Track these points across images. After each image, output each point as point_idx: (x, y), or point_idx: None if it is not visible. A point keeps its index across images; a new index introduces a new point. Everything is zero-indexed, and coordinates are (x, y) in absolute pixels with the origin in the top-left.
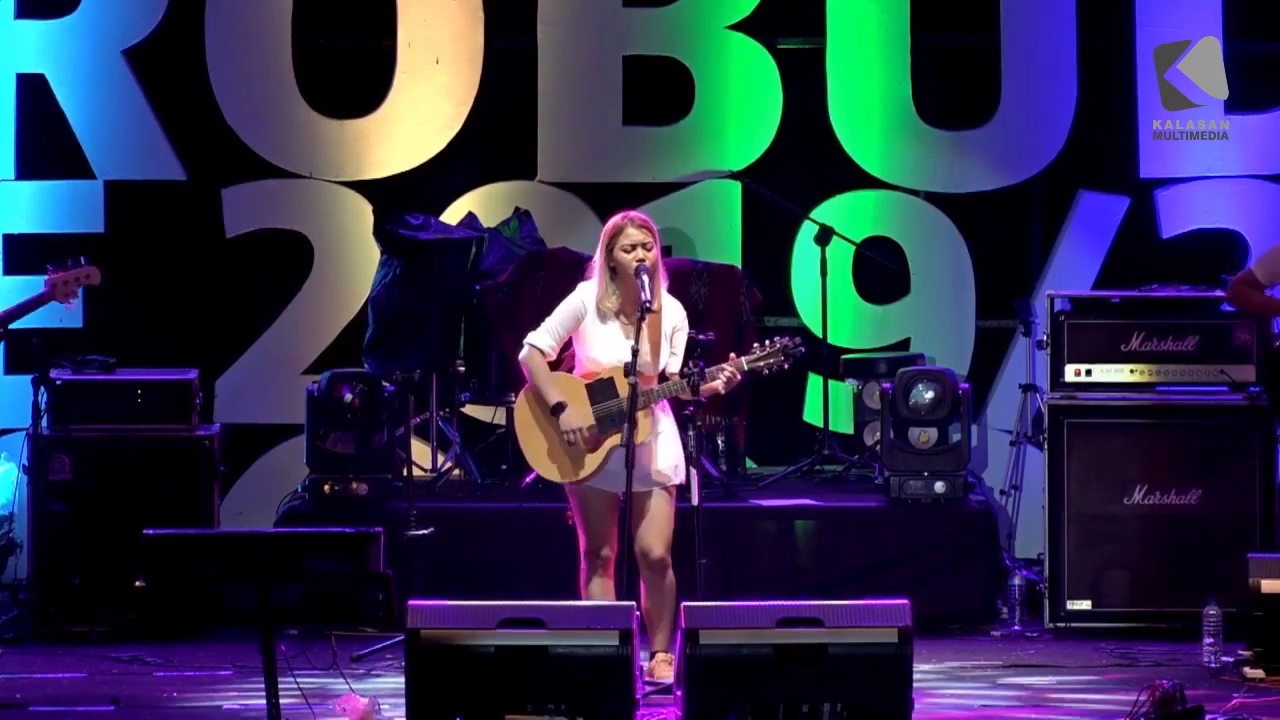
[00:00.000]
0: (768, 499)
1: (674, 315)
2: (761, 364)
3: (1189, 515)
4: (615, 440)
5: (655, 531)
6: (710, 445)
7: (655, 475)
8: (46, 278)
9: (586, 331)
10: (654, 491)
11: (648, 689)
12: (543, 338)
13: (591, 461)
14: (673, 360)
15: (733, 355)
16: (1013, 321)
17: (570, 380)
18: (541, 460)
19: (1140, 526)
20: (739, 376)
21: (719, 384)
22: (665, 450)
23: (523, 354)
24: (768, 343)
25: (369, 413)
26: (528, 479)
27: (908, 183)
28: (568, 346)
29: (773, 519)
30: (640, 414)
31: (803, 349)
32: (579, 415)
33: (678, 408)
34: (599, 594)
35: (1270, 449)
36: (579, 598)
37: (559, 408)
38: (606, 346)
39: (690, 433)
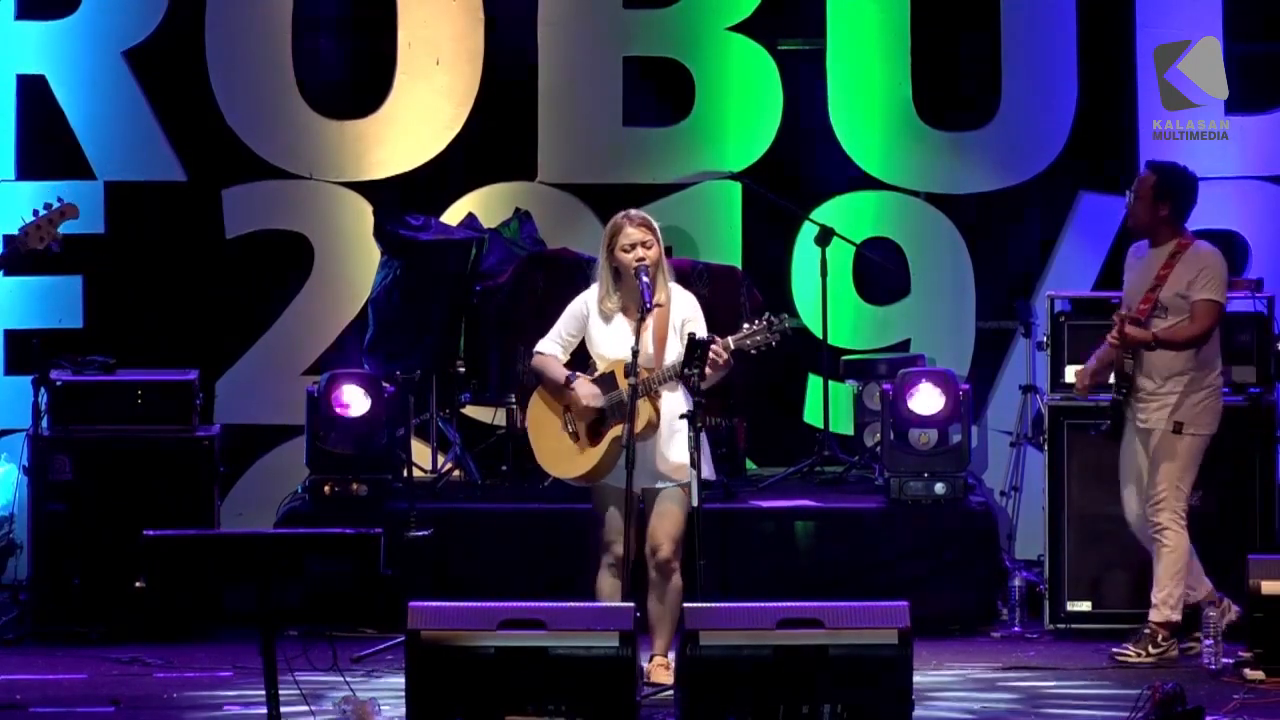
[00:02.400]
0: (768, 500)
1: (684, 308)
2: (748, 342)
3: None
4: (618, 431)
5: (664, 530)
6: (710, 446)
7: (670, 472)
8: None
9: (591, 332)
10: (667, 489)
11: (646, 691)
12: (549, 344)
13: (593, 455)
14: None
15: (717, 337)
16: (1013, 322)
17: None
18: (548, 458)
19: None
20: (724, 355)
21: (705, 367)
22: (679, 446)
23: (533, 360)
24: (756, 321)
25: (369, 413)
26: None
27: (908, 183)
28: (580, 352)
29: (772, 520)
30: (641, 403)
31: (788, 325)
32: (590, 390)
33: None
34: (607, 591)
35: (1270, 449)
36: (585, 595)
37: (570, 380)
38: (611, 344)
39: (690, 434)
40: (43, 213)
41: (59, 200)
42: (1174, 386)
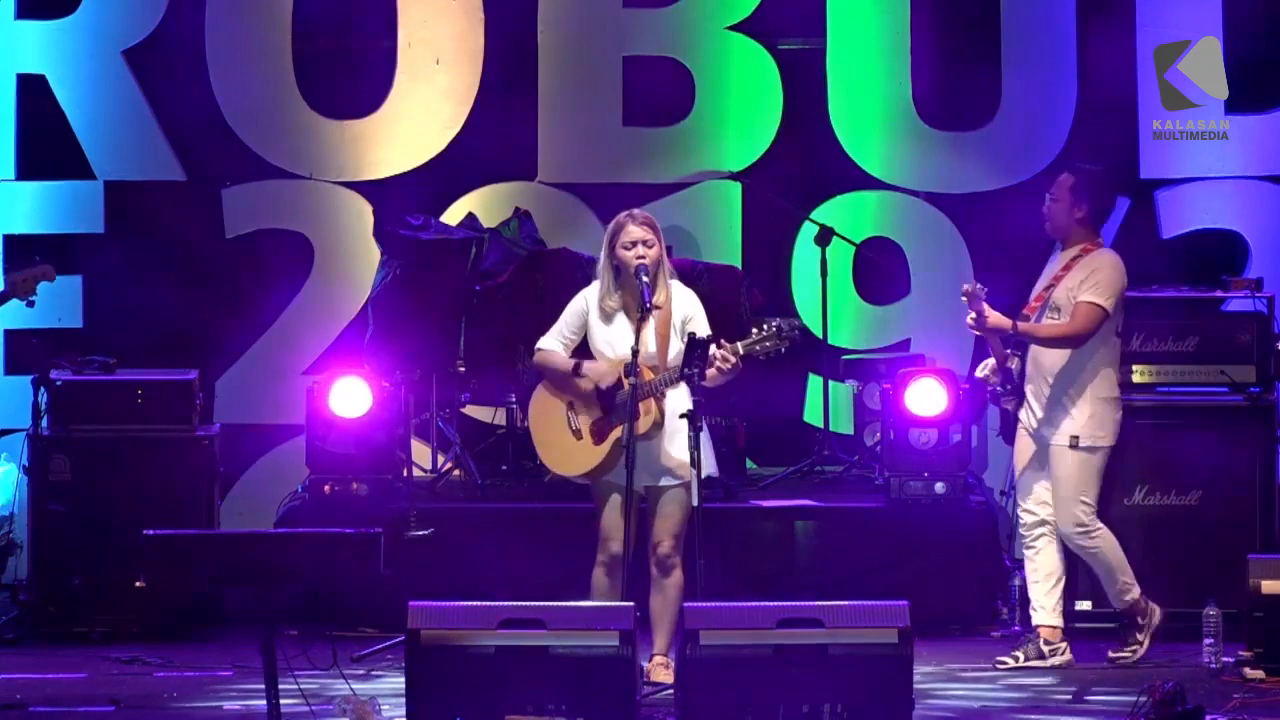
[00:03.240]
0: (768, 499)
1: (686, 306)
2: (757, 348)
3: (1189, 515)
4: (622, 431)
5: (666, 527)
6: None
7: (673, 469)
8: (6, 277)
9: (592, 330)
10: (669, 487)
11: (646, 690)
12: (550, 341)
13: (597, 454)
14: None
15: (723, 341)
16: None
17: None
18: (550, 455)
19: (1140, 526)
20: (733, 360)
21: (711, 370)
22: (681, 444)
23: (535, 357)
24: (764, 326)
25: (369, 413)
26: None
27: (908, 183)
28: (583, 349)
29: (773, 519)
30: (645, 403)
31: (798, 331)
32: (601, 369)
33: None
34: (600, 588)
35: (1270, 449)
36: (584, 595)
37: (579, 366)
38: (612, 343)
39: (690, 433)
40: (25, 269)
41: (37, 260)
42: (1066, 395)
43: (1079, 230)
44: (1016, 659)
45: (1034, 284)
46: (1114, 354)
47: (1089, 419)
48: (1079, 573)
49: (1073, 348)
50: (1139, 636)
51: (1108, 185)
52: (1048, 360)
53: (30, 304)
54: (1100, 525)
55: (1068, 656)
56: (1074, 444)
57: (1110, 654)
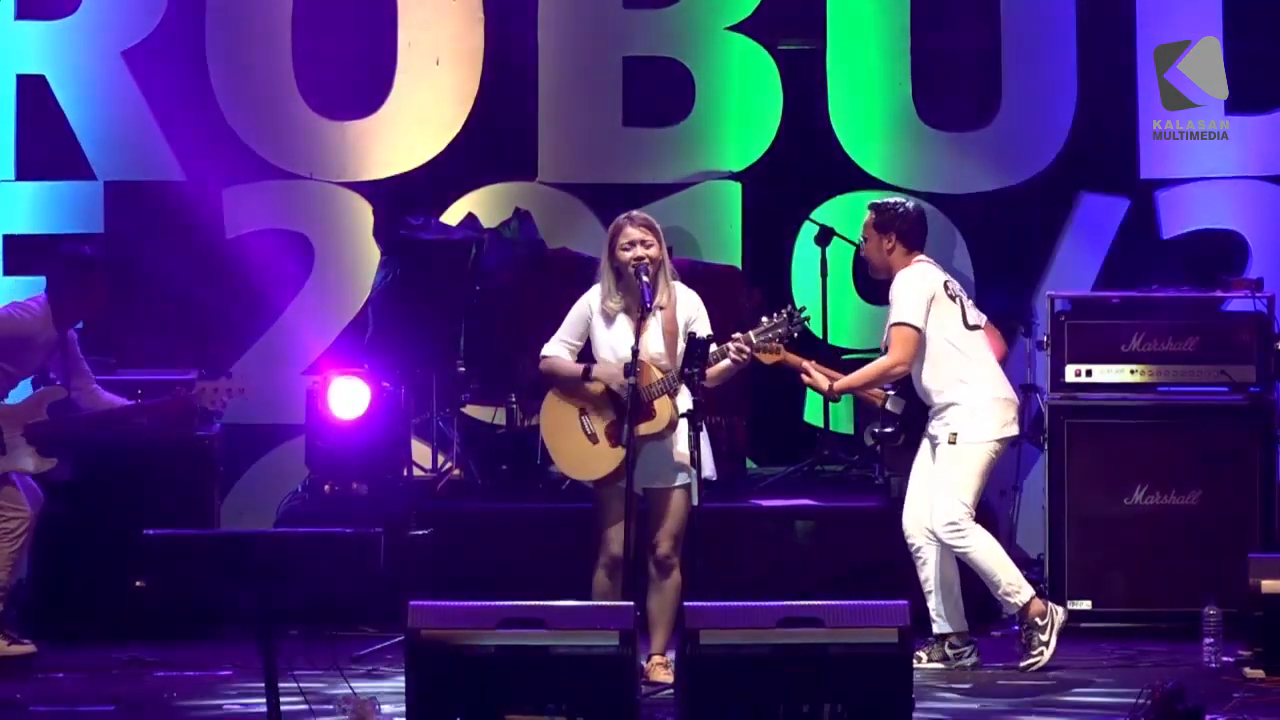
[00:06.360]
0: (768, 499)
1: (689, 307)
2: (769, 335)
3: (1189, 515)
4: (640, 431)
5: (667, 527)
6: (710, 445)
7: (678, 470)
8: (195, 380)
9: (594, 333)
10: (675, 487)
11: (645, 690)
12: (555, 347)
13: (615, 456)
14: None
15: (736, 334)
16: (1013, 322)
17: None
18: (568, 461)
19: (1140, 526)
20: (747, 351)
21: (727, 362)
22: (684, 445)
23: (541, 365)
24: (774, 315)
25: (369, 413)
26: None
27: (908, 183)
28: (586, 355)
29: (773, 519)
30: (661, 402)
31: (807, 316)
32: (611, 371)
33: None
34: (601, 590)
35: (1270, 449)
36: (585, 595)
37: (588, 370)
38: (615, 346)
39: (691, 434)
40: (219, 380)
41: (231, 376)
42: (943, 400)
43: (897, 260)
44: (919, 659)
45: (1033, 283)
46: (972, 354)
47: (968, 416)
48: (1079, 571)
49: (905, 374)
50: (1041, 638)
51: (906, 212)
52: (917, 381)
53: (215, 417)
54: (973, 526)
55: (973, 659)
56: (953, 440)
57: (1020, 664)
